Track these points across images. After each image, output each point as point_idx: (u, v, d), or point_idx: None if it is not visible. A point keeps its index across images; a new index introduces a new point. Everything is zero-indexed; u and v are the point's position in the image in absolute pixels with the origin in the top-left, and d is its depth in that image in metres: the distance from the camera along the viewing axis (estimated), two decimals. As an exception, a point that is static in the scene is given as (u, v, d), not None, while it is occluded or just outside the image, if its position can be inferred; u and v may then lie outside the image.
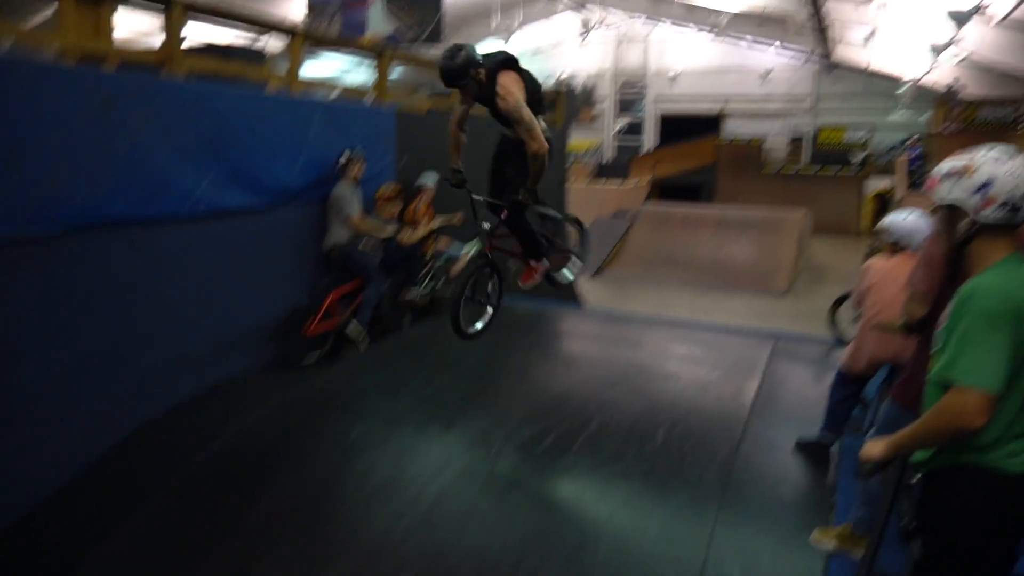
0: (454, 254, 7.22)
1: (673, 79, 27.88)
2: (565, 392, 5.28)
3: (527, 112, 3.80)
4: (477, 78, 3.79)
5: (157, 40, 4.89)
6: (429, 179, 7.10)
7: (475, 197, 4.28)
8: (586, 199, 18.80)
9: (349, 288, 6.38)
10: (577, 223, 5.14)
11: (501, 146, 4.37)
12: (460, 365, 5.62)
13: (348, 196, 6.19)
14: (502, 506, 3.97)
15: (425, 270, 7.04)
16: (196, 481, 4.24)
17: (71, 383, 4.34)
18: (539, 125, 3.88)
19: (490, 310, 4.57)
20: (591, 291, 12.29)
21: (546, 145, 3.88)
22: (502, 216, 4.25)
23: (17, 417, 4.04)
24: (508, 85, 3.80)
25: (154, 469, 4.38)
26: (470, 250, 7.29)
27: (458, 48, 3.76)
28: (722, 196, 21.73)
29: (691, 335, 6.81)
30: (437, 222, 6.99)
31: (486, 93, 3.88)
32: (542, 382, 5.52)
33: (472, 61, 3.74)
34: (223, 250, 5.44)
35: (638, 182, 22.12)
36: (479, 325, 4.52)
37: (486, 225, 4.29)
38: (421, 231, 6.84)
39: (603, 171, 25.11)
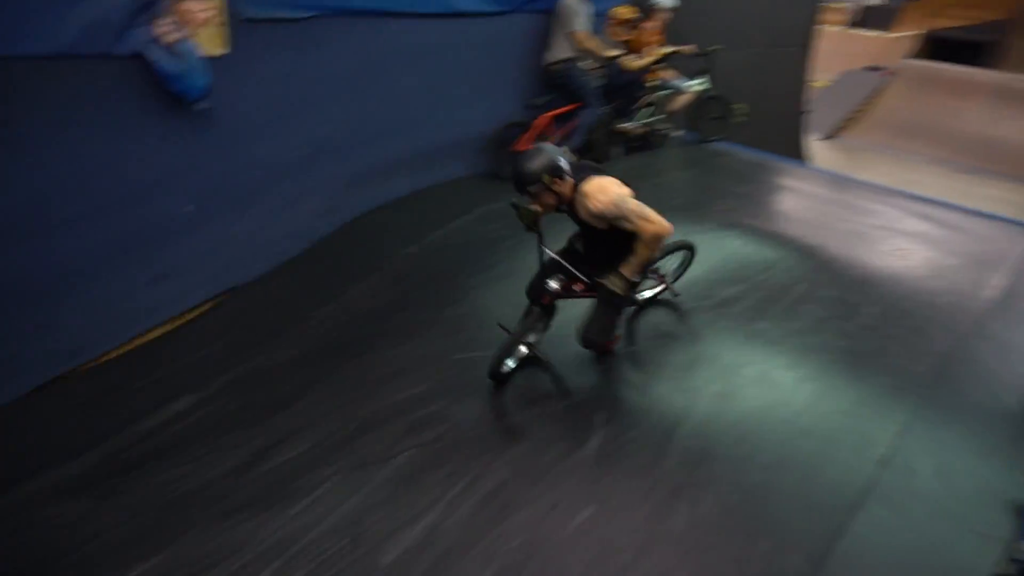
0: (678, 87, 6.74)
1: (984, -95, 22.60)
2: (772, 250, 4.94)
3: (631, 203, 3.09)
4: (556, 188, 3.12)
5: None
6: (665, 0, 6.51)
7: (546, 251, 3.45)
8: (835, 47, 16.47)
9: (564, 110, 6.25)
10: (688, 248, 4.17)
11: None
12: (664, 204, 5.32)
13: (576, 9, 5.88)
14: (679, 355, 3.92)
15: (644, 100, 6.67)
16: (405, 271, 4.62)
17: (307, 165, 4.78)
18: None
19: (524, 350, 3.72)
20: (819, 153, 11.12)
21: (668, 225, 3.13)
22: (576, 288, 3.57)
23: (260, 191, 4.57)
24: (599, 184, 3.11)
25: (370, 254, 4.82)
26: (695, 86, 6.80)
27: (538, 151, 3.10)
28: (1013, 60, 17.99)
29: (931, 213, 5.96)
30: (666, 50, 6.48)
31: (568, 204, 3.23)
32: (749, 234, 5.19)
33: (552, 167, 3.07)
34: (449, 54, 5.49)
35: (905, 33, 18.91)
36: (510, 363, 3.68)
37: (553, 284, 3.50)
38: (647, 58, 6.40)
39: (866, 16, 21.67)
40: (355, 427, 3.42)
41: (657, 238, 3.09)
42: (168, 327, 4.20)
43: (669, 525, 2.90)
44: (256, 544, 2.82)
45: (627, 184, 3.21)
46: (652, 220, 3.05)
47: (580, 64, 6.17)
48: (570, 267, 3.42)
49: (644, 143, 6.86)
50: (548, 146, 3.10)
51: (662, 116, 6.81)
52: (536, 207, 3.22)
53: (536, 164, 3.03)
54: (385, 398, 3.57)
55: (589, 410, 3.45)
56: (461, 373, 3.70)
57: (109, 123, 3.73)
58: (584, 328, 3.44)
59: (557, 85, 6.21)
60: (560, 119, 6.26)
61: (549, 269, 3.48)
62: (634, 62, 6.33)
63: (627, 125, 6.65)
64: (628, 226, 3.07)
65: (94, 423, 3.56)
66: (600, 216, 3.10)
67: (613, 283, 3.25)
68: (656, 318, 4.21)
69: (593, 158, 6.44)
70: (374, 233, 5.03)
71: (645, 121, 6.72)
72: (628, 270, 3.21)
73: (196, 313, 4.30)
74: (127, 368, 3.93)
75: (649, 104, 6.70)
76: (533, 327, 3.60)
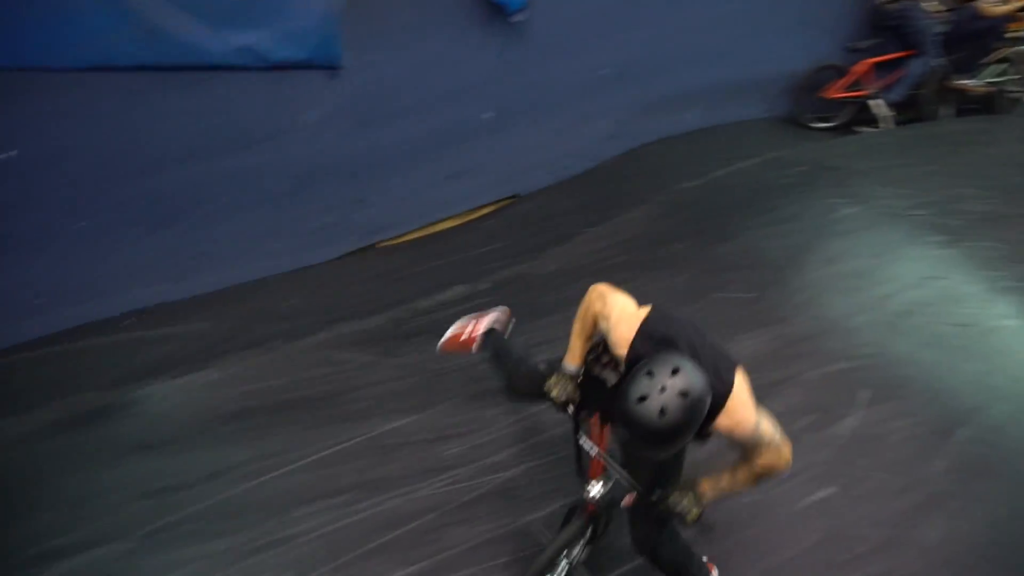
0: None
1: None
2: None
3: (766, 427, 1.92)
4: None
5: None
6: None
7: (587, 443, 2.25)
8: None
9: (891, 56, 5.52)
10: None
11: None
12: (995, 179, 4.63)
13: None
14: (981, 344, 3.40)
15: (998, 54, 5.63)
16: (681, 204, 4.56)
17: (603, 87, 4.83)
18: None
19: (564, 564, 2.36)
20: None
21: (791, 465, 1.98)
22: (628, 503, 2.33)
23: (556, 107, 4.73)
24: (743, 399, 1.91)
25: (649, 183, 4.79)
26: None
27: (675, 378, 1.72)
28: None
29: None
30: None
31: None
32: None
33: (700, 417, 1.77)
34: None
35: None
36: None
37: (594, 491, 2.28)
38: (1014, 3, 5.36)
39: None
40: (605, 349, 3.51)
41: (776, 473, 1.98)
42: (454, 222, 4.63)
43: (920, 533, 2.62)
44: (498, 428, 3.09)
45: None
46: (783, 450, 1.93)
47: (922, 5, 5.36)
48: (622, 472, 2.20)
49: (985, 105, 5.83)
50: (687, 365, 1.75)
51: (1017, 76, 5.71)
52: (571, 386, 2.15)
53: (679, 417, 1.71)
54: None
55: (853, 382, 3.17)
56: (721, 312, 3.59)
57: (439, 27, 4.09)
58: (641, 542, 2.33)
59: (888, 27, 5.48)
60: (883, 67, 5.54)
61: (590, 468, 2.33)
62: (996, 7, 5.35)
63: (967, 82, 5.70)
64: (754, 457, 1.95)
65: (384, 292, 4.10)
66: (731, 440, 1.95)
67: (684, 503, 2.02)
68: (956, 291, 3.68)
69: (915, 117, 5.67)
70: (656, 163, 4.98)
71: (992, 79, 5.70)
72: (714, 490, 2.04)
73: (479, 214, 4.67)
74: (416, 251, 4.44)
75: (1003, 60, 5.65)
76: (574, 540, 2.34)
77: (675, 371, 1.73)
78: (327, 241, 4.37)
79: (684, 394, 1.69)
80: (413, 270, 4.26)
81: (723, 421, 1.85)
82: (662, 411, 1.68)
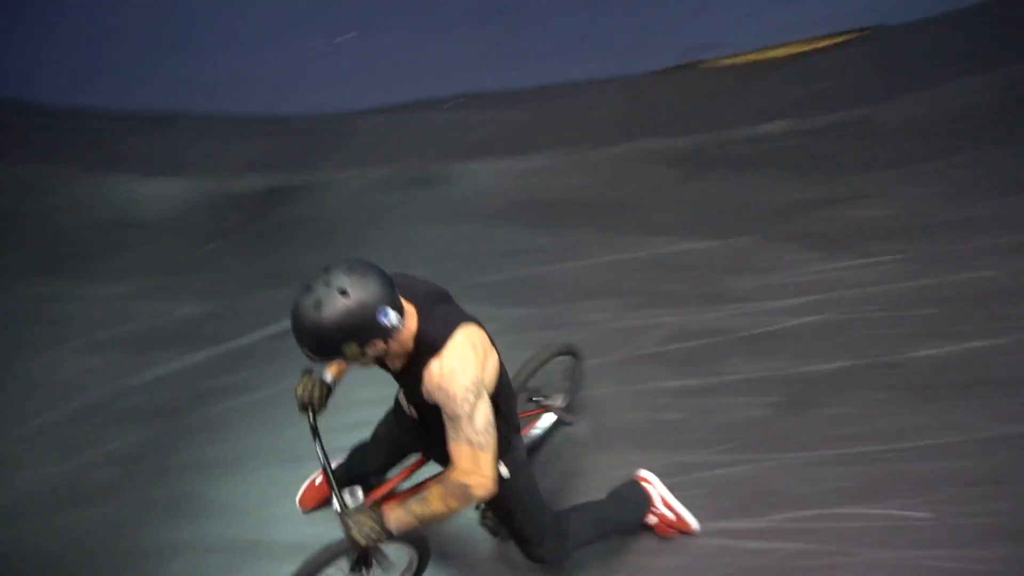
0: None
1: None
2: None
3: (480, 417, 1.63)
4: (374, 351, 1.60)
5: None
6: None
7: (319, 453, 1.92)
8: None
9: None
10: (572, 353, 2.36)
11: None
12: None
13: None
14: None
15: None
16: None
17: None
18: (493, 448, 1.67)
19: None
20: None
21: (490, 489, 1.70)
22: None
23: None
24: (453, 353, 1.62)
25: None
26: None
27: (351, 283, 1.52)
28: None
29: None
30: None
31: (404, 366, 1.72)
32: None
33: (365, 327, 1.54)
34: None
35: None
36: None
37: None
38: None
39: None
40: (944, 220, 3.02)
41: (468, 492, 1.69)
42: (794, 49, 4.14)
43: None
44: (796, 273, 2.90)
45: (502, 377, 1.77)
46: (482, 459, 1.68)
47: None
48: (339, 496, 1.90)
49: None
50: (371, 273, 1.58)
51: None
52: (330, 373, 1.96)
53: (333, 317, 1.54)
54: (984, 206, 3.02)
55: None
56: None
57: None
58: None
59: None
60: None
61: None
62: None
63: None
64: (450, 443, 1.68)
65: (700, 114, 3.91)
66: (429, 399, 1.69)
67: (356, 527, 1.73)
68: None
69: None
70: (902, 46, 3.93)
71: None
72: (405, 513, 1.75)
73: (825, 43, 4.11)
74: (744, 76, 4.10)
75: None
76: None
77: (349, 270, 1.57)
78: (650, 53, 4.23)
79: (343, 292, 1.53)
80: (737, 96, 3.96)
81: (433, 366, 1.63)
82: (317, 304, 1.53)
